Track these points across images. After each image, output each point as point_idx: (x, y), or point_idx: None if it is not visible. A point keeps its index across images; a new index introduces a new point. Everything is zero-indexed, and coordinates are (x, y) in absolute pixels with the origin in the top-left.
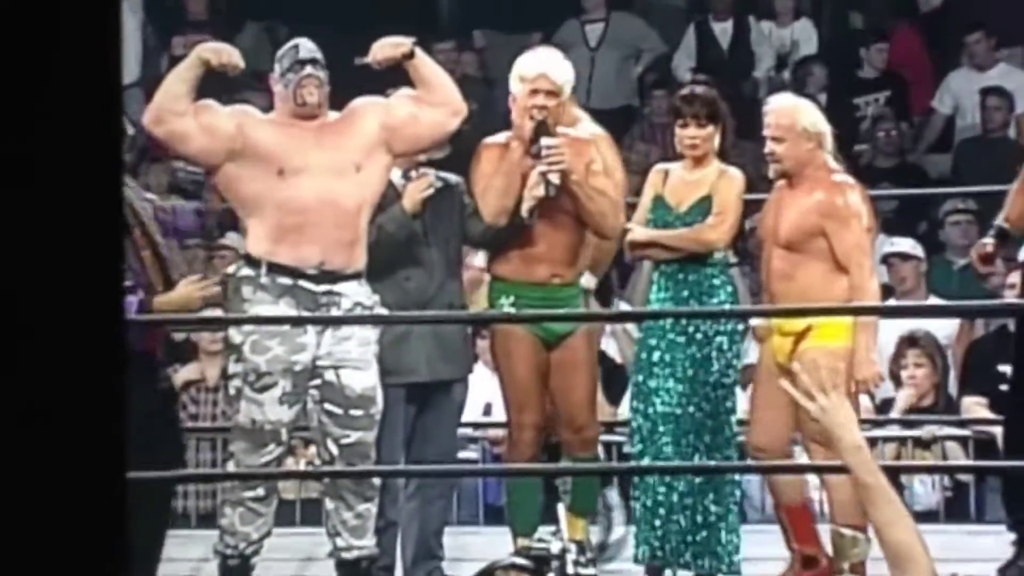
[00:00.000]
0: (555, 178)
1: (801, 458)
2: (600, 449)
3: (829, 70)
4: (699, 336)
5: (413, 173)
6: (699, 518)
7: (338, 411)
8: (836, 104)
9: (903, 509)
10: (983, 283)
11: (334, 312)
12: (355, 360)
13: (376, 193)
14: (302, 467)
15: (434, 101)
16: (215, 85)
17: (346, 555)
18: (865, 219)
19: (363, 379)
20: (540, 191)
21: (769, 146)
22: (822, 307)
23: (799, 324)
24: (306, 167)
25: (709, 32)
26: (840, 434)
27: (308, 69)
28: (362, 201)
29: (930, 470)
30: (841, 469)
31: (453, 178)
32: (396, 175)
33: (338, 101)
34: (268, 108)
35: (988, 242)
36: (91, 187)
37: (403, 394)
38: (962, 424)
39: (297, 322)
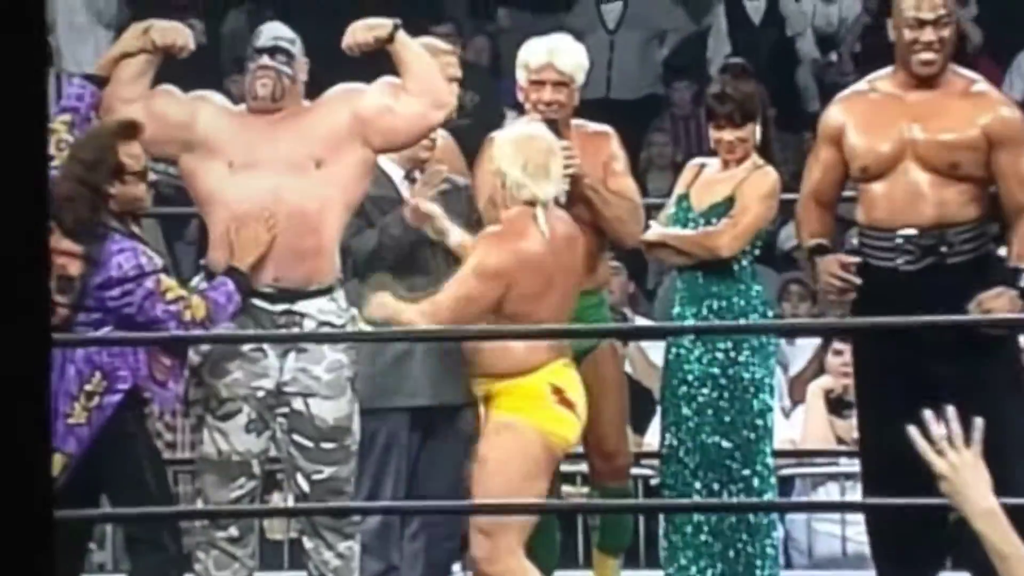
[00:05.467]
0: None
1: None
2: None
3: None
4: (720, 356)
5: (417, 173)
6: (731, 559)
7: (308, 444)
8: None
9: None
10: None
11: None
12: (325, 387)
13: (347, 192)
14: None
15: (414, 91)
16: (198, 75)
17: None
18: None
19: (335, 408)
20: None
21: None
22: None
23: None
24: (255, 163)
25: (741, 10)
26: (972, 496)
27: (264, 59)
28: (325, 201)
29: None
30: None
31: (461, 180)
32: (397, 175)
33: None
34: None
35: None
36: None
37: (406, 420)
38: None
39: (286, 340)
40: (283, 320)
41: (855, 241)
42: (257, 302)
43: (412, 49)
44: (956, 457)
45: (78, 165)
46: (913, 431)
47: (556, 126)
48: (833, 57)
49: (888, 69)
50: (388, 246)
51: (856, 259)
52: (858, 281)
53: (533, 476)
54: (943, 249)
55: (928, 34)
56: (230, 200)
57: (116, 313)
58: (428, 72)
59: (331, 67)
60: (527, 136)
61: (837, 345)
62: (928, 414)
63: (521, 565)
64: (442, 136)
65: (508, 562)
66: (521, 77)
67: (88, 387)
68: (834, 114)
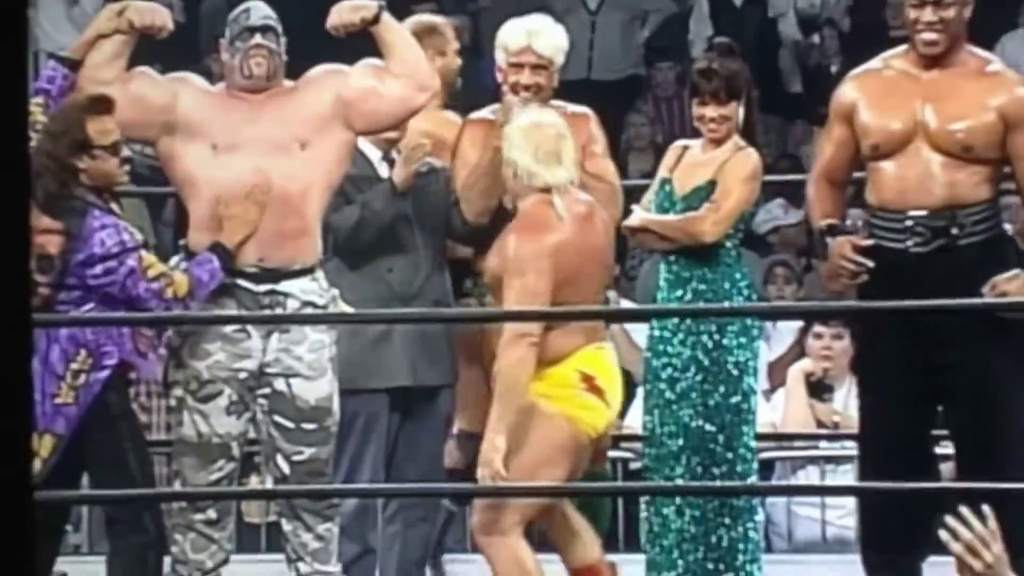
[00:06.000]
0: None
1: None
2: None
3: (864, 31)
4: (705, 340)
5: (395, 154)
6: (713, 544)
7: (289, 425)
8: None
9: None
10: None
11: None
12: (307, 367)
13: (330, 173)
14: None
15: (398, 73)
16: (177, 53)
17: None
18: None
19: (317, 389)
20: None
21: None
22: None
23: None
24: (239, 144)
25: None
26: None
27: (257, 38)
28: (309, 183)
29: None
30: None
31: (438, 163)
32: (375, 155)
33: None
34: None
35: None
36: None
37: (386, 401)
38: None
39: (269, 321)
40: (267, 300)
41: (848, 223)
42: (241, 282)
43: (397, 31)
44: (990, 556)
45: (46, 138)
46: (945, 535)
47: None
48: (815, 39)
49: (902, 47)
50: (369, 220)
51: (870, 241)
52: (871, 264)
53: (552, 463)
54: (954, 231)
55: (928, 14)
56: (214, 182)
57: (97, 291)
58: (412, 54)
59: (302, 47)
60: (535, 124)
61: (817, 328)
62: (965, 511)
63: (517, 544)
64: (454, 117)
65: (502, 538)
66: (500, 59)
67: (74, 365)
68: (846, 91)
